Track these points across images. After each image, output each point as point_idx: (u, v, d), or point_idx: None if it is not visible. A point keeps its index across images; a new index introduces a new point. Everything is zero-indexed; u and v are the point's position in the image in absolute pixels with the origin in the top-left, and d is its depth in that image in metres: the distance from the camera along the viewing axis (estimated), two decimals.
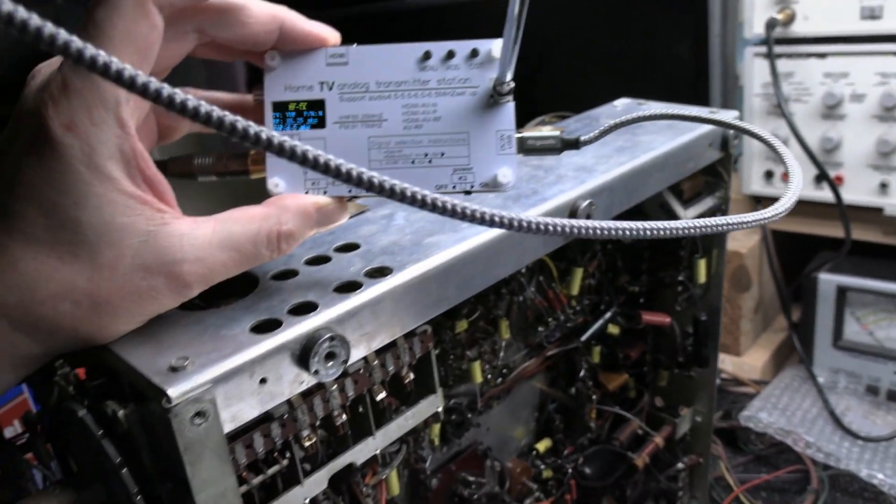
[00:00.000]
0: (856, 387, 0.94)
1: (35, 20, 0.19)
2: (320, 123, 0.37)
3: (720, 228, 0.35)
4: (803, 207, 0.96)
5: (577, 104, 0.67)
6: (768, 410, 0.90)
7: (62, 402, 0.34)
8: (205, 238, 0.32)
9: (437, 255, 0.40)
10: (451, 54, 0.37)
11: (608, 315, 0.66)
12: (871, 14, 0.85)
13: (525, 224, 0.31)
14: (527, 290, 0.58)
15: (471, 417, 0.57)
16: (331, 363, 0.34)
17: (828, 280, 0.93)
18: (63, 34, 0.20)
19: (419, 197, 0.28)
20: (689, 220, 0.34)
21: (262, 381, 0.33)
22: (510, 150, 0.37)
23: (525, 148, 0.39)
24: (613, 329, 0.68)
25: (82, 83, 0.30)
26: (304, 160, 0.26)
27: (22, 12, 0.19)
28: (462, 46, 0.37)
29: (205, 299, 0.35)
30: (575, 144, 0.40)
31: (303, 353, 0.34)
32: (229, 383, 0.31)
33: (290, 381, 0.34)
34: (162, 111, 0.39)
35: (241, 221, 0.34)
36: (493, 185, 0.37)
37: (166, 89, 0.23)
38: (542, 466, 0.66)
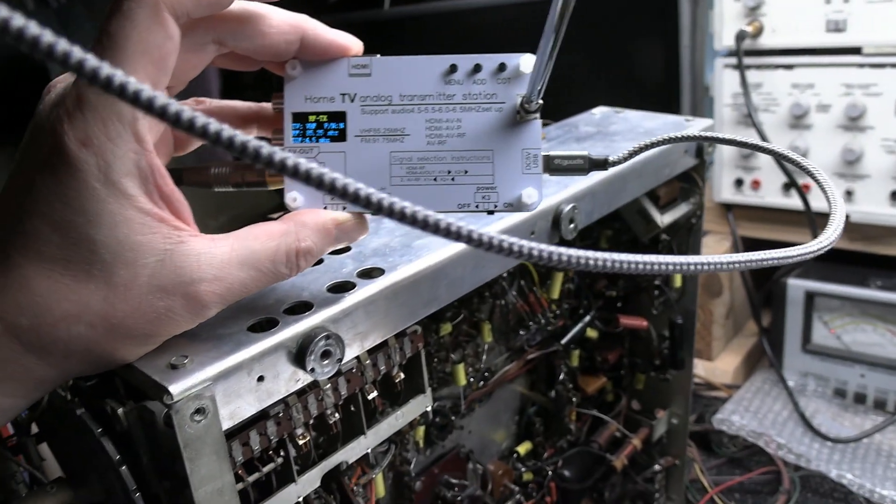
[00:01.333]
0: (824, 390, 0.96)
1: (47, 37, 0.18)
2: (341, 136, 0.35)
3: (756, 264, 0.31)
4: (772, 214, 0.99)
5: (556, 112, 0.68)
6: (740, 413, 0.91)
7: (57, 402, 0.34)
8: (223, 256, 0.32)
9: (428, 256, 0.40)
10: (477, 68, 0.36)
11: (587, 319, 0.68)
12: (836, 27, 0.88)
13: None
14: (508, 293, 0.59)
15: (454, 420, 0.58)
16: (326, 361, 0.35)
17: (796, 285, 0.95)
18: (77, 52, 0.19)
19: (443, 226, 0.25)
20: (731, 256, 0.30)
21: (260, 378, 0.33)
22: (536, 169, 0.36)
23: (551, 168, 0.37)
24: (592, 333, 0.69)
25: (97, 97, 0.29)
26: (331, 189, 0.24)
27: (34, 28, 0.18)
28: (489, 60, 0.36)
29: None
30: (603, 165, 0.38)
31: (299, 352, 0.34)
32: (228, 381, 0.32)
33: (287, 379, 0.35)
34: None
35: (260, 239, 0.33)
36: (517, 206, 0.36)
37: (186, 112, 0.21)
38: (523, 469, 0.66)
